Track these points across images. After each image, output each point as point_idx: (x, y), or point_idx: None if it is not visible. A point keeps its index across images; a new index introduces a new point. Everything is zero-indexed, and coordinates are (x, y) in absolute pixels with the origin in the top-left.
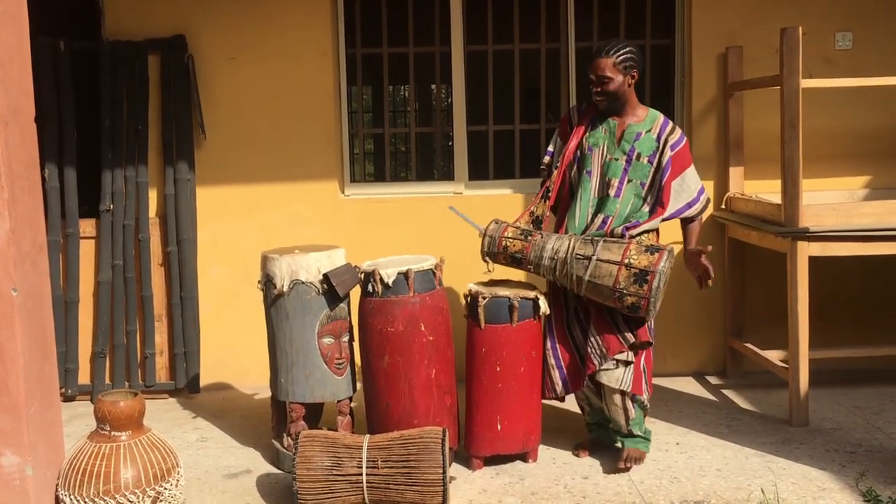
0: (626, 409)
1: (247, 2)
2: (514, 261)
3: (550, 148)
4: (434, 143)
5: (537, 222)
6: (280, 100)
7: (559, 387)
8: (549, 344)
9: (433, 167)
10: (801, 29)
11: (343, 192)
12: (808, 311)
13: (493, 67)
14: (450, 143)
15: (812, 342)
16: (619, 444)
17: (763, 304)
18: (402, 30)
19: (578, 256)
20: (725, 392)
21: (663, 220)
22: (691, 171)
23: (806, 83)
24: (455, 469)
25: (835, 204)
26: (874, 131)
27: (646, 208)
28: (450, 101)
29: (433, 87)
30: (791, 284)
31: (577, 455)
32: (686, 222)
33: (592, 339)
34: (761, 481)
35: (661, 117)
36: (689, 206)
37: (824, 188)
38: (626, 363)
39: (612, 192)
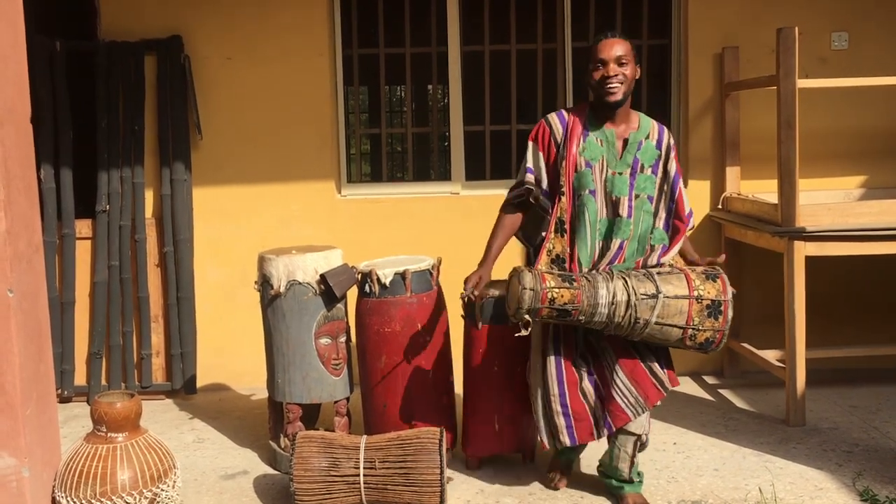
0: (633, 456)
1: (243, 2)
2: (561, 314)
3: (530, 165)
4: (431, 143)
5: (558, 261)
6: (277, 100)
7: (564, 435)
8: (556, 389)
9: (430, 167)
10: (797, 29)
11: (340, 193)
12: (805, 311)
13: (490, 68)
14: (446, 144)
15: (809, 342)
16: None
17: (760, 304)
18: (398, 30)
19: (643, 296)
20: (722, 392)
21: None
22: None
23: (802, 83)
24: (452, 470)
25: (831, 204)
26: (870, 131)
27: (659, 224)
28: (446, 101)
29: (430, 87)
30: (788, 284)
31: (555, 486)
32: None
33: (622, 387)
34: (759, 481)
35: (654, 122)
36: (691, 215)
37: (820, 188)
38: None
39: (623, 213)
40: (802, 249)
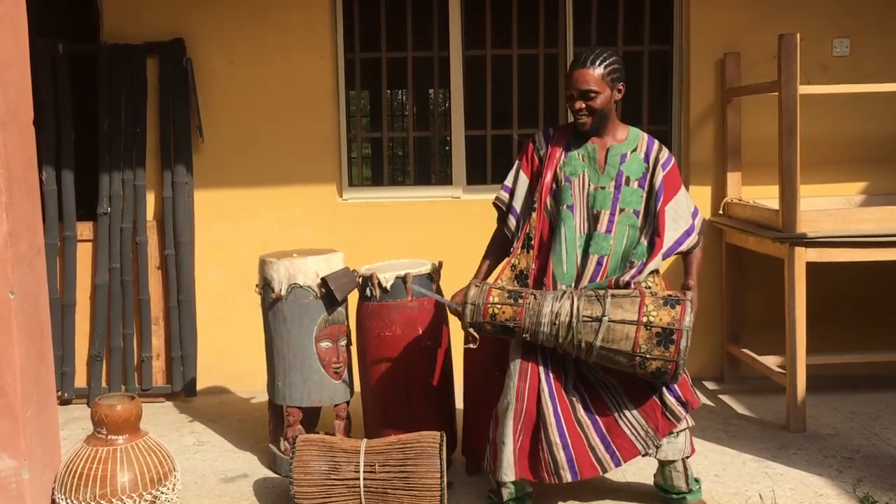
0: (685, 470)
1: (246, 5)
2: (506, 330)
3: (508, 183)
4: (432, 147)
5: (521, 277)
6: (278, 103)
7: (565, 471)
8: (552, 420)
9: (431, 171)
10: (798, 35)
11: (341, 196)
12: (806, 317)
13: (492, 72)
14: (447, 148)
15: (809, 348)
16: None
17: (760, 310)
18: (400, 34)
19: (585, 319)
20: (723, 398)
21: (663, 255)
22: (683, 194)
23: (803, 89)
24: (453, 474)
25: (832, 210)
26: (871, 137)
27: (644, 241)
28: (448, 105)
29: (431, 91)
30: (788, 290)
31: None
32: (686, 254)
33: (632, 419)
34: (759, 487)
35: (644, 135)
36: (688, 234)
37: (822, 194)
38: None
39: (601, 228)
40: (803, 255)
